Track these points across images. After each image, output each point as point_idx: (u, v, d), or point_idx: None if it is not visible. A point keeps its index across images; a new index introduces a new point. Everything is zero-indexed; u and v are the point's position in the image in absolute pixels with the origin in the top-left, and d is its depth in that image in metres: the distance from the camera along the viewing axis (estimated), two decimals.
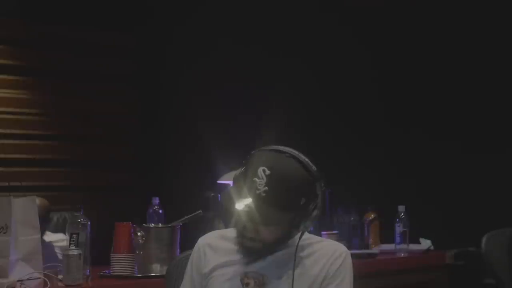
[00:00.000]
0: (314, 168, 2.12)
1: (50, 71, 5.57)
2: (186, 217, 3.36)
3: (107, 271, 3.25)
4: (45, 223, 3.88)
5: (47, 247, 3.67)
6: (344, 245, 2.26)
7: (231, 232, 2.22)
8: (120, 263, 3.19)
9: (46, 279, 2.92)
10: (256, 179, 2.07)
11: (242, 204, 2.08)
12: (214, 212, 3.72)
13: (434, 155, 4.80)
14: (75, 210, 3.16)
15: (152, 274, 3.21)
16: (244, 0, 5.31)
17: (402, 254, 4.07)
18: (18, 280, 2.89)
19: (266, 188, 2.06)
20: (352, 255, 2.23)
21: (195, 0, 5.63)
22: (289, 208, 2.08)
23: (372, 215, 4.25)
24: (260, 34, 5.31)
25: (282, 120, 5.01)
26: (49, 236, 3.99)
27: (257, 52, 5.30)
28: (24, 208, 2.98)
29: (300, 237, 2.14)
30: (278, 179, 2.07)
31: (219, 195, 3.65)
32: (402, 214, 4.07)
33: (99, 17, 5.68)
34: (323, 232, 3.78)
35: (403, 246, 4.06)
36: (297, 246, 2.13)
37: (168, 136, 5.80)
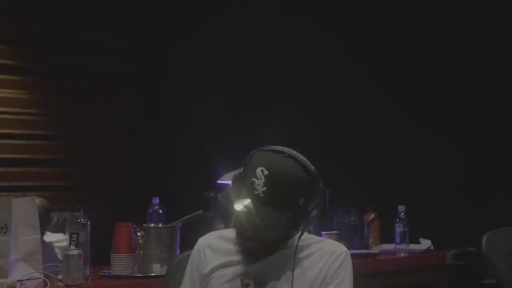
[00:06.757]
0: (312, 168, 2.12)
1: (50, 71, 5.56)
2: (186, 217, 3.36)
3: (107, 271, 3.26)
4: (45, 223, 3.88)
5: (47, 247, 3.68)
6: (344, 245, 2.25)
7: (230, 233, 2.21)
8: (120, 263, 3.19)
9: (46, 279, 2.92)
10: (254, 179, 2.06)
11: (241, 204, 2.07)
12: (214, 212, 3.73)
13: (434, 155, 4.79)
14: (75, 210, 3.16)
15: (152, 274, 3.21)
16: (245, 1, 5.32)
17: (402, 254, 4.08)
18: (18, 280, 2.89)
19: (265, 188, 2.05)
20: (352, 255, 2.22)
21: (196, 0, 5.63)
22: (288, 208, 2.08)
23: (372, 215, 4.26)
24: (261, 34, 5.31)
25: (282, 120, 5.01)
26: (49, 236, 3.99)
27: (258, 52, 5.30)
28: (24, 208, 2.98)
29: (299, 237, 2.13)
30: (277, 179, 2.06)
31: (219, 195, 3.65)
32: (402, 214, 4.07)
33: (99, 17, 5.68)
34: (323, 232, 3.79)
35: (403, 246, 4.07)
36: (296, 246, 2.13)
37: (169, 136, 5.79)
